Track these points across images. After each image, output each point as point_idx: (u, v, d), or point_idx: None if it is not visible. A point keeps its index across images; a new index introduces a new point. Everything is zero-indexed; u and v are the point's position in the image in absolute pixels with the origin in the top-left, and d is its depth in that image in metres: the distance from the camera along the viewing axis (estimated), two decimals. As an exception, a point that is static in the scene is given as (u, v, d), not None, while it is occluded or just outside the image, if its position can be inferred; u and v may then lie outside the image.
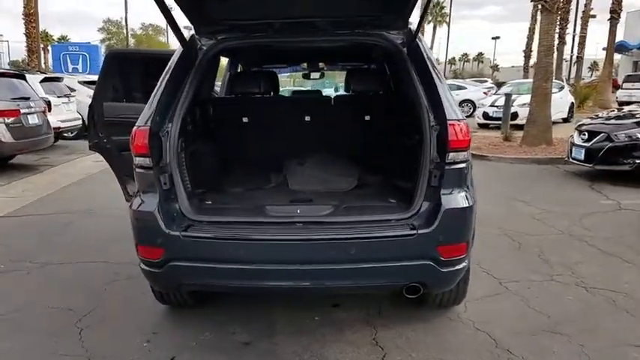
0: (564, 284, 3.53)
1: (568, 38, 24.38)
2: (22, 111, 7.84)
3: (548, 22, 9.72)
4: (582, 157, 7.13)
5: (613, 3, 20.90)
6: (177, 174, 2.60)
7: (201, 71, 2.83)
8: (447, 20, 40.16)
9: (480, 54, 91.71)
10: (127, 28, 34.24)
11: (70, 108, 11.02)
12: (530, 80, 19.41)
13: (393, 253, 2.36)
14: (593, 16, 30.95)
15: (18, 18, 21.50)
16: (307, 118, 3.76)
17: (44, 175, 7.94)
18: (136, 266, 2.69)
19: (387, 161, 3.52)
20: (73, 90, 11.77)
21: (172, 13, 2.57)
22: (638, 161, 6.53)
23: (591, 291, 3.40)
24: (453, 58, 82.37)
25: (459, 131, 2.36)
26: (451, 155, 2.37)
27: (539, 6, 9.90)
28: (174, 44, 3.10)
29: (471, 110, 18.32)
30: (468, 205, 2.42)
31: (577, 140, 7.31)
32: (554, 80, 11.52)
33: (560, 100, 14.51)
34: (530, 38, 33.06)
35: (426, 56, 2.63)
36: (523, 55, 34.83)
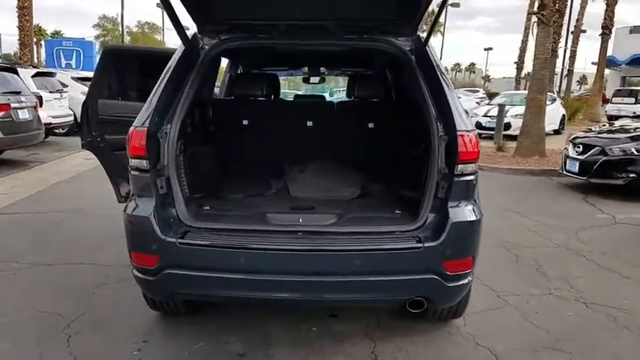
0: (563, 299, 3.50)
1: (560, 52, 24.64)
2: (12, 105, 7.67)
3: (544, 35, 9.78)
4: (576, 169, 7.15)
5: (605, 19, 21.19)
6: (175, 178, 2.50)
7: (202, 71, 2.75)
8: (442, 30, 40.34)
9: (472, 64, 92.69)
10: (122, 25, 33.82)
11: (62, 104, 10.84)
12: (523, 92, 19.70)
13: (398, 266, 2.29)
14: (584, 31, 31.41)
15: (11, 11, 21.18)
16: (309, 124, 3.69)
17: (34, 171, 7.77)
18: (127, 269, 2.60)
19: (390, 170, 3.46)
20: (65, 86, 11.59)
21: (175, 10, 2.49)
22: (632, 175, 6.56)
23: (591, 307, 3.37)
24: (446, 67, 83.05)
25: (469, 142, 2.31)
26: (460, 167, 2.32)
27: (536, 18, 9.94)
28: (171, 43, 3.02)
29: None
30: (475, 218, 2.37)
31: (571, 153, 7.34)
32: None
33: (552, 112, 14.64)
34: (522, 50, 33.46)
35: (435, 64, 2.58)
36: (515, 66, 35.21)
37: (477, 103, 19.78)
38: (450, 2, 33.97)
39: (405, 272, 2.29)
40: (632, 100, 21.45)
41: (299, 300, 2.49)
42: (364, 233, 2.42)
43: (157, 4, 28.35)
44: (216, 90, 4.87)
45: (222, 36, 2.78)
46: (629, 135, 7.15)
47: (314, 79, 6.47)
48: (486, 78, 78.41)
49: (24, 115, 7.95)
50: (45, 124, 8.88)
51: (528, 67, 35.76)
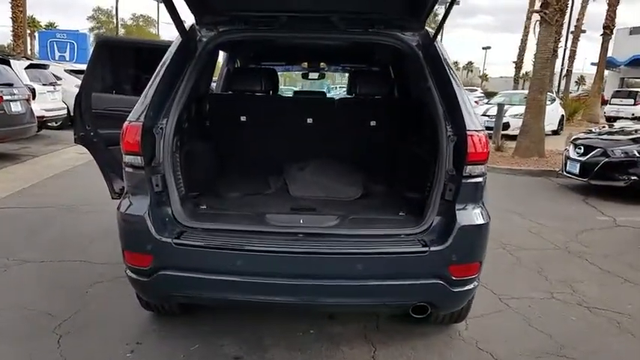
0: (565, 303, 3.43)
1: (559, 52, 24.59)
2: (4, 98, 7.53)
3: (546, 34, 9.71)
4: (577, 171, 7.10)
5: (606, 19, 21.15)
6: (171, 175, 2.41)
7: (200, 64, 2.65)
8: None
9: (470, 63, 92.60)
10: (117, 18, 33.61)
11: (55, 97, 10.69)
12: (522, 91, 19.65)
13: (402, 271, 2.21)
14: (583, 31, 31.41)
15: (4, 2, 20.94)
16: (309, 120, 3.59)
17: (26, 165, 7.64)
18: (121, 267, 2.50)
19: (393, 170, 3.36)
20: (59, 78, 11.44)
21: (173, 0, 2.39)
22: (633, 178, 6.51)
23: (594, 311, 3.31)
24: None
25: (479, 142, 2.22)
26: (469, 168, 2.23)
27: (539, 17, 9.86)
28: (166, 36, 2.92)
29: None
30: (483, 222, 2.29)
31: (572, 154, 7.28)
32: (545, 92, 11.55)
33: (551, 113, 14.59)
34: (522, 50, 33.44)
35: (444, 61, 2.49)
36: (514, 66, 35.22)
37: (475, 102, 19.75)
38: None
39: (409, 277, 2.21)
40: (631, 101, 21.47)
41: (299, 304, 2.40)
42: (367, 236, 2.33)
43: (153, -3, 28.06)
44: (213, 85, 4.77)
45: (220, 28, 2.67)
46: (630, 137, 7.10)
47: (313, 75, 6.35)
48: (484, 77, 78.37)
49: (16, 107, 7.81)
50: (38, 117, 8.74)
51: (527, 66, 35.86)
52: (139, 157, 2.29)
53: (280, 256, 2.22)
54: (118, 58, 3.80)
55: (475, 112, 2.36)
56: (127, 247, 2.32)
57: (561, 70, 29.40)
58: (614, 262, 4.26)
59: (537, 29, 10.29)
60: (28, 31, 29.50)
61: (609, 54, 24.94)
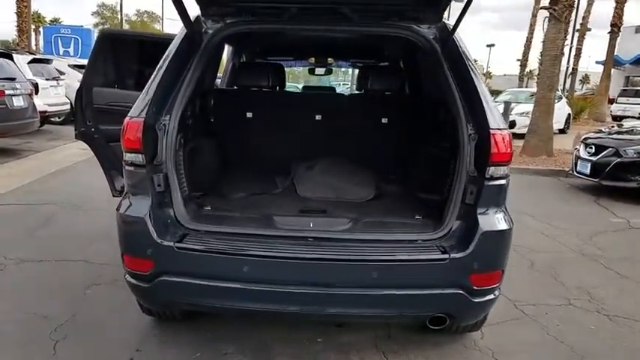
0: (584, 310, 3.29)
1: (566, 50, 24.36)
2: (6, 92, 7.41)
3: (555, 31, 9.53)
4: (588, 171, 6.94)
5: (614, 16, 20.90)
6: (174, 174, 2.26)
7: (205, 58, 2.51)
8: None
9: (474, 61, 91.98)
10: (121, 14, 33.43)
11: (58, 92, 10.59)
12: (528, 89, 19.43)
13: (420, 279, 2.07)
14: (589, 29, 31.11)
15: (9, -3, 20.77)
16: (317, 117, 3.44)
17: (27, 161, 7.53)
18: (121, 268, 2.37)
19: (408, 170, 3.21)
20: (62, 73, 11.34)
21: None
22: (646, 179, 6.36)
23: (614, 319, 3.16)
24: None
25: (502, 142, 2.08)
26: (491, 169, 2.08)
27: (548, 14, 9.67)
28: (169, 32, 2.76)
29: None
30: (507, 227, 2.14)
31: (583, 154, 7.12)
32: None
33: (558, 111, 14.35)
34: (527, 47, 33.17)
35: (464, 55, 2.34)
36: (519, 64, 34.94)
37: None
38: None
39: (427, 286, 2.07)
40: (638, 100, 21.18)
41: (309, 314, 2.26)
42: (382, 241, 2.18)
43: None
44: (217, 81, 4.63)
45: (227, 19, 2.53)
46: (643, 136, 6.93)
47: (319, 71, 6.17)
48: (488, 75, 77.94)
49: (18, 102, 7.69)
50: (40, 112, 8.64)
51: (532, 64, 35.58)
52: (140, 155, 2.15)
53: (289, 263, 2.08)
54: (121, 52, 3.67)
55: (497, 110, 2.22)
56: (127, 250, 2.19)
57: (567, 68, 29.16)
58: (631, 266, 4.11)
59: (546, 26, 10.12)
60: (33, 27, 29.44)
61: (614, 52, 24.68)
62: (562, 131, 15.19)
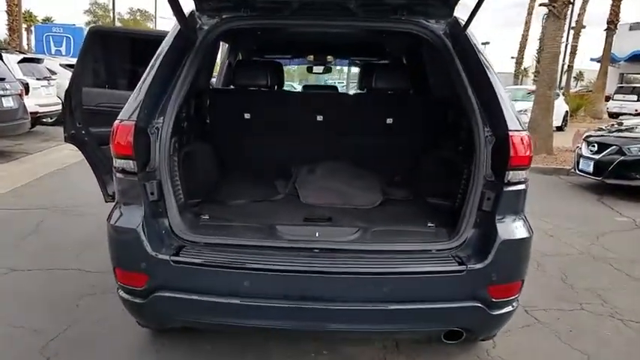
0: (597, 315, 3.18)
1: (562, 47, 24.33)
2: (-5, 93, 7.23)
3: (555, 28, 9.43)
4: (590, 169, 6.84)
5: (610, 14, 20.88)
6: (168, 181, 2.11)
7: (200, 56, 2.35)
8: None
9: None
10: (114, 12, 32.97)
11: (49, 92, 10.36)
12: (525, 87, 19.34)
13: (435, 292, 1.94)
14: (584, 27, 31.12)
15: (-1, -4, 20.48)
16: (319, 118, 3.29)
17: (18, 163, 7.35)
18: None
19: (417, 174, 3.06)
20: (53, 73, 11.09)
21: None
22: (651, 177, 6.26)
23: (629, 324, 3.05)
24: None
25: (521, 143, 1.95)
26: (510, 174, 1.95)
27: (547, 10, 9.58)
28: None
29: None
30: (527, 235, 2.02)
31: (585, 152, 7.03)
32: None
33: (556, 109, 14.28)
34: (523, 45, 33.17)
35: (478, 52, 2.20)
36: (515, 61, 34.93)
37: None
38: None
39: (442, 299, 1.94)
40: (635, 97, 21.13)
41: (316, 331, 2.12)
42: (394, 252, 2.04)
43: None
44: (212, 81, 4.47)
45: (224, 15, 2.38)
46: (647, 134, 6.84)
47: (319, 69, 5.99)
48: (483, 72, 78.02)
49: (8, 103, 7.49)
50: (31, 112, 8.43)
51: (527, 62, 35.58)
52: (131, 162, 2.00)
53: (294, 276, 1.93)
54: (112, 50, 3.51)
55: (515, 109, 2.08)
56: (119, 264, 2.05)
57: (562, 65, 29.17)
58: (641, 268, 4.00)
59: (545, 23, 10.03)
60: (25, 26, 29.04)
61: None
62: (559, 129, 15.11)
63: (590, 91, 26.49)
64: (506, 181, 1.96)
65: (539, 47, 25.64)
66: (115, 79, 3.56)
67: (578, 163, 7.15)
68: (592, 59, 31.41)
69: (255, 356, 2.53)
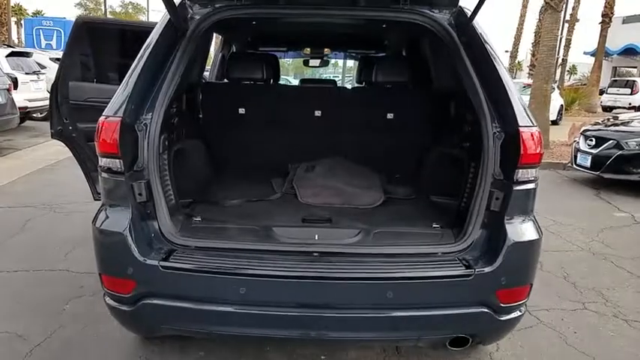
0: (601, 315, 3.11)
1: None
2: (-19, 87, 7.04)
3: (552, 21, 9.33)
4: (588, 164, 6.78)
5: (605, 7, 20.83)
6: (157, 181, 1.98)
7: (191, 47, 2.22)
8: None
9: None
10: (105, 5, 32.56)
11: (39, 86, 10.14)
12: (521, 80, 19.28)
13: (440, 298, 1.85)
14: (577, 20, 31.12)
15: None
16: (317, 113, 3.17)
17: (6, 159, 7.18)
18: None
19: (420, 171, 2.95)
20: (43, 67, 10.89)
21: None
22: (649, 171, 6.21)
23: (633, 324, 2.98)
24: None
25: (531, 140, 1.84)
26: (520, 172, 1.85)
27: (544, 3, 9.48)
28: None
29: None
30: (538, 237, 1.93)
31: (583, 146, 6.96)
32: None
33: (551, 102, 14.28)
34: (517, 39, 33.12)
35: (485, 43, 2.09)
36: (509, 55, 34.86)
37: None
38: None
39: (448, 305, 1.84)
40: (628, 90, 21.16)
41: (315, 339, 2.01)
42: (398, 255, 1.94)
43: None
44: (205, 74, 4.33)
45: (216, 4, 2.26)
46: (645, 127, 6.78)
47: (316, 62, 5.84)
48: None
49: (-5, 97, 7.31)
50: (20, 108, 8.24)
51: (520, 56, 35.53)
52: (117, 160, 1.88)
53: (292, 282, 1.83)
54: (101, 42, 3.37)
55: (524, 104, 1.98)
56: (105, 270, 1.93)
57: (557, 59, 29.16)
58: (643, 265, 3.94)
59: (542, 16, 9.94)
60: (15, 19, 28.58)
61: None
62: (554, 122, 15.05)
63: (585, 84, 26.49)
64: (515, 180, 1.87)
65: (535, 40, 25.56)
66: (104, 72, 3.42)
67: (575, 157, 7.09)
68: (585, 53, 31.45)
69: (250, 361, 2.43)
